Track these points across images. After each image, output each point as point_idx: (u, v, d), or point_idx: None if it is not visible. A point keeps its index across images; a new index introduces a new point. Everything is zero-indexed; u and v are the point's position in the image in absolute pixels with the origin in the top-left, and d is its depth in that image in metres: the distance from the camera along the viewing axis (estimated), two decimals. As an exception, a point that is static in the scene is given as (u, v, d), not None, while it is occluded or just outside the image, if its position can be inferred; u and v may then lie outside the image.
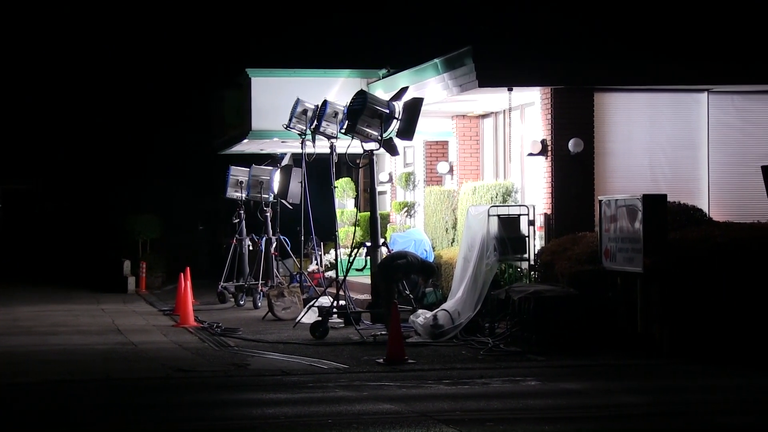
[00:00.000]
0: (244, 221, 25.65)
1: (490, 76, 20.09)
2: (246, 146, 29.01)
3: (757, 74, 20.38)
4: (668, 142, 20.80)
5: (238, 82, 28.10)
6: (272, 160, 27.58)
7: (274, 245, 24.79)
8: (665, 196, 17.14)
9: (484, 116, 24.73)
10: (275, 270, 24.81)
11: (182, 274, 22.60)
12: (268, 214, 24.98)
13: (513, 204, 20.80)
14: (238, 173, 25.52)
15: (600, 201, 18.07)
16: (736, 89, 20.89)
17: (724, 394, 13.76)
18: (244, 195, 25.39)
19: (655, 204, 16.75)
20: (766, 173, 17.60)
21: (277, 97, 25.47)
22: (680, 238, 16.94)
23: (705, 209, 19.98)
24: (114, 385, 14.71)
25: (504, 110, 22.93)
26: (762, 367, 15.48)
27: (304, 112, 22.69)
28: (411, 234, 23.64)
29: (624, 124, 20.71)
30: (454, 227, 23.72)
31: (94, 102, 40.94)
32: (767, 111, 21.14)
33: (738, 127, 21.03)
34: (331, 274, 24.47)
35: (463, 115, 24.83)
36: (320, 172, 26.77)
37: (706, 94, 20.90)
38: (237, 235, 25.63)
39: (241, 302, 24.98)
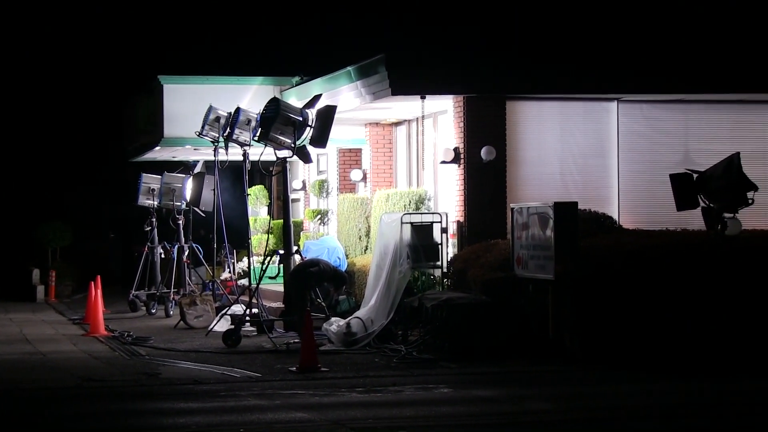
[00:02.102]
0: (156, 229, 25.42)
1: (403, 84, 20.14)
2: (158, 153, 28.77)
3: (665, 84, 20.68)
4: (579, 151, 21.01)
5: (150, 89, 27.85)
6: (185, 167, 27.38)
7: (186, 253, 24.61)
8: (576, 203, 17.30)
9: (397, 124, 24.80)
10: (187, 278, 24.62)
11: (93, 282, 22.35)
12: (181, 221, 24.78)
13: (426, 212, 20.87)
14: (150, 181, 25.29)
15: (512, 208, 18.19)
16: (645, 98, 21.18)
17: (634, 400, 13.92)
18: (156, 202, 25.17)
19: (566, 211, 16.90)
20: (675, 181, 17.85)
21: (190, 104, 25.28)
22: (591, 246, 17.11)
23: (615, 217, 20.22)
24: (22, 395, 14.47)
25: (417, 118, 23.02)
26: (670, 372, 15.69)
27: (217, 119, 22.57)
28: (324, 242, 23.61)
29: (536, 133, 20.89)
30: (368, 235, 23.74)
31: (2, 107, 40.28)
32: (675, 120, 21.46)
33: (647, 136, 21.31)
34: (244, 282, 24.33)
35: (377, 123, 24.88)
36: (233, 179, 26.64)
37: (616, 103, 21.16)
38: (149, 243, 25.39)
39: (153, 311, 24.75)
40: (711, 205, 17.53)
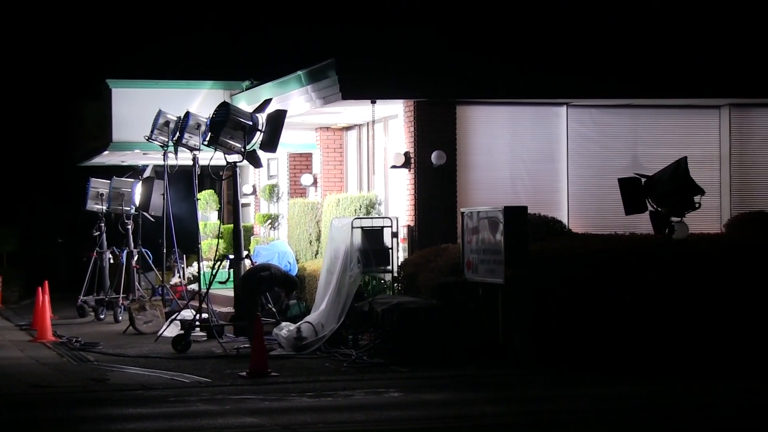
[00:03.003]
0: (104, 234, 25.25)
1: (353, 89, 20.14)
2: (107, 158, 28.61)
3: (613, 88, 20.83)
4: (529, 155, 21.10)
5: (98, 93, 27.68)
6: (134, 171, 27.21)
7: (135, 258, 24.45)
8: (526, 208, 17.36)
9: (347, 128, 24.80)
10: (137, 283, 24.46)
11: (40, 287, 22.16)
12: (130, 226, 24.63)
13: (376, 216, 20.88)
14: (99, 185, 25.12)
15: (462, 213, 18.24)
16: (593, 103, 21.32)
17: (583, 403, 13.99)
18: (104, 207, 24.99)
19: (516, 216, 16.96)
20: (623, 186, 17.97)
21: (139, 108, 25.15)
22: (541, 250, 17.19)
23: (565, 221, 20.31)
24: (-32, 402, 14.34)
25: (368, 122, 23.03)
26: (619, 375, 15.79)
27: (167, 123, 22.46)
28: (275, 246, 23.55)
29: (486, 137, 20.95)
30: (318, 239, 23.71)
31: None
32: (624, 124, 21.61)
33: (596, 140, 21.44)
34: (194, 287, 24.22)
35: (327, 128, 24.87)
36: (183, 184, 26.52)
37: (565, 107, 21.27)
38: (97, 248, 25.22)
39: (102, 316, 24.59)
40: (659, 209, 17.66)
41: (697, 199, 17.43)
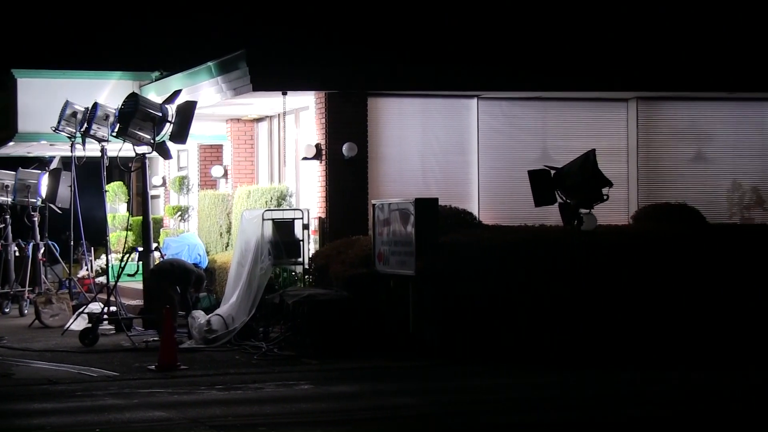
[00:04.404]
0: (10, 226, 24.85)
1: (264, 80, 20.04)
2: (12, 149, 28.15)
3: (523, 81, 20.96)
4: (440, 147, 21.17)
5: (3, 83, 27.21)
6: (40, 163, 26.80)
7: (41, 251, 24.11)
8: (437, 199, 17.44)
9: (259, 120, 24.68)
10: (43, 276, 24.12)
11: (-57, 281, 21.77)
12: (36, 218, 24.27)
13: (287, 208, 20.82)
14: (4, 177, 24.70)
15: (373, 205, 18.24)
16: (504, 95, 21.44)
17: (495, 394, 14.08)
18: (10, 199, 24.61)
19: (426, 208, 17.01)
20: (533, 178, 18.10)
21: (46, 98, 24.79)
22: (451, 242, 17.24)
23: (475, 213, 20.40)
24: None
25: (279, 114, 22.93)
26: (529, 365, 15.92)
27: (74, 114, 22.16)
28: (185, 238, 23.36)
29: (397, 129, 20.98)
30: (229, 231, 23.57)
31: None
32: (534, 117, 21.77)
33: (506, 133, 21.57)
34: (102, 279, 23.96)
35: (238, 119, 24.72)
36: (91, 175, 26.18)
37: (475, 100, 21.37)
38: (2, 241, 24.81)
39: (6, 310, 24.22)
40: (568, 201, 17.83)
41: (605, 191, 17.63)
